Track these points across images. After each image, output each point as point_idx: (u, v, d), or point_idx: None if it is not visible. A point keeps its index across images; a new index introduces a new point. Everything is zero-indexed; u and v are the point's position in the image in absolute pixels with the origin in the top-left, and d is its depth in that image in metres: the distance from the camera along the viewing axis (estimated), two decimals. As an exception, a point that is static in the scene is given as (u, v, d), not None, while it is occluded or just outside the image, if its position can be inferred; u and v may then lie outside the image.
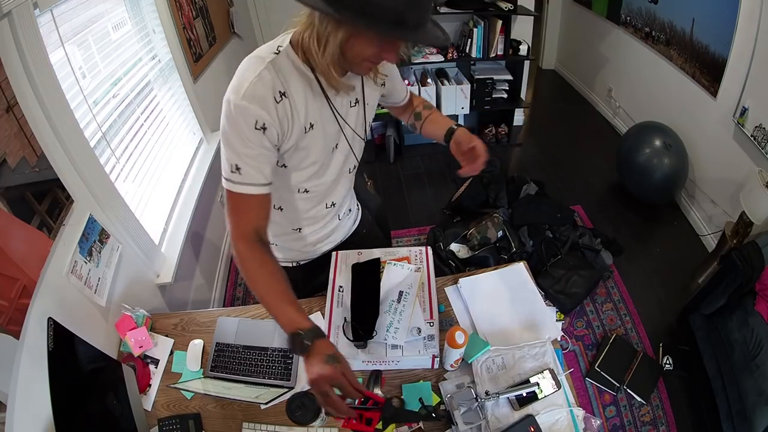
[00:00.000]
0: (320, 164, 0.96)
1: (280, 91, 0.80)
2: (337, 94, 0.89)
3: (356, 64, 0.80)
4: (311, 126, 0.88)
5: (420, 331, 1.04)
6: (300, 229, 1.10)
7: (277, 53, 0.81)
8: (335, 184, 1.05)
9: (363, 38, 0.73)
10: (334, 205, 1.10)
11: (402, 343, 1.02)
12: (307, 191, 1.00)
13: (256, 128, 0.78)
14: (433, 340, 1.03)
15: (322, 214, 1.10)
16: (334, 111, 0.91)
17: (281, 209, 1.04)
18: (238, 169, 0.80)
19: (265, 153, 0.82)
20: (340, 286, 1.15)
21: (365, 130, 1.05)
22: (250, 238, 0.83)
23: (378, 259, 1.20)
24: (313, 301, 1.23)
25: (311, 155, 0.92)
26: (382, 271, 1.16)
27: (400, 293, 1.10)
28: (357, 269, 1.17)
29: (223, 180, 0.83)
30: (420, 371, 1.06)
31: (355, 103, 0.97)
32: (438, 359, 1.03)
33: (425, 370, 1.06)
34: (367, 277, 1.15)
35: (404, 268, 1.17)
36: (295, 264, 1.20)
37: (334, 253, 1.22)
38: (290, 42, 0.82)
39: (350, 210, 1.23)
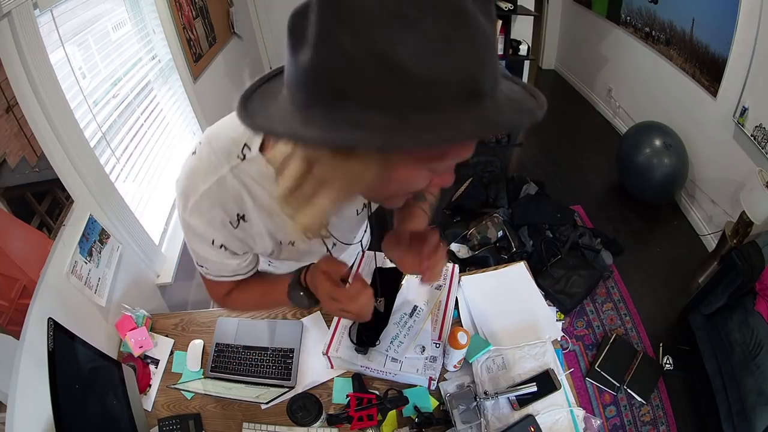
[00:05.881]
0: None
1: (237, 215, 0.61)
2: None
3: (381, 201, 0.58)
4: (290, 243, 0.71)
5: (424, 350, 1.00)
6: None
7: (241, 158, 0.56)
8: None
9: (402, 166, 0.43)
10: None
11: (402, 359, 0.99)
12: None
13: (212, 245, 0.63)
14: (434, 362, 0.99)
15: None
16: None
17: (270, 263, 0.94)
18: (203, 266, 0.69)
19: (231, 262, 0.69)
20: None
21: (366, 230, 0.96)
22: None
23: None
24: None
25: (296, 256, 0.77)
26: (403, 282, 1.13)
27: (414, 308, 1.07)
28: (379, 274, 1.14)
29: (195, 263, 0.71)
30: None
31: (363, 208, 0.77)
32: (435, 382, 1.00)
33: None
34: (385, 285, 1.12)
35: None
36: None
37: (361, 252, 1.17)
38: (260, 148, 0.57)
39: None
